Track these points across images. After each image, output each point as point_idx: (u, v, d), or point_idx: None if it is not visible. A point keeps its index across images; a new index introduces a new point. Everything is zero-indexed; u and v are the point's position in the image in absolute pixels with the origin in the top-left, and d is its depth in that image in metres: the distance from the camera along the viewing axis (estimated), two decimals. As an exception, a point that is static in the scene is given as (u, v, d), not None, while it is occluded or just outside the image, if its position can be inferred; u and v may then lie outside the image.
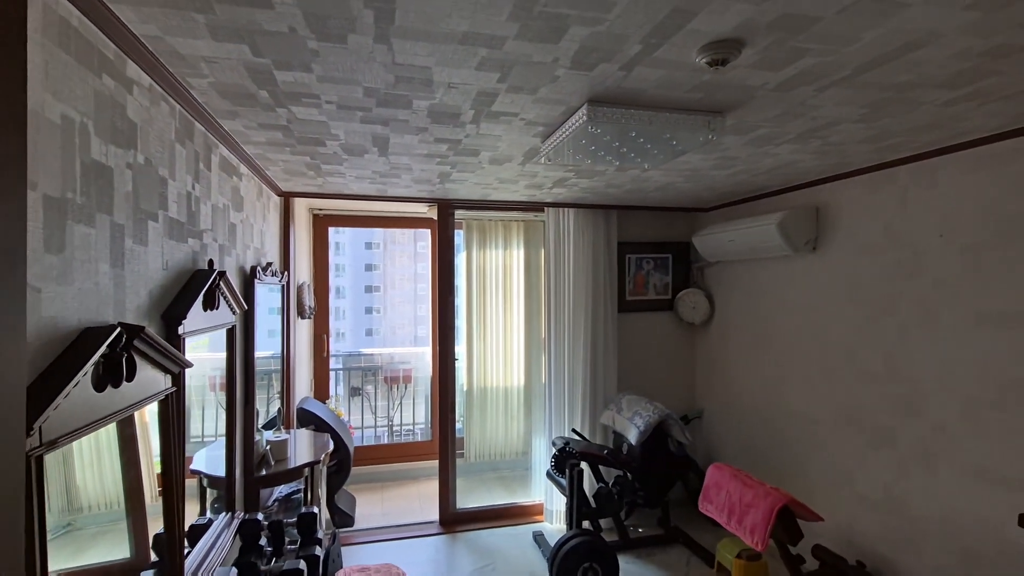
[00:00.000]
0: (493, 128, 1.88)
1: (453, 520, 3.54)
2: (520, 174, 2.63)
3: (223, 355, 2.11)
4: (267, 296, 2.81)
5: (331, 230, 4.33)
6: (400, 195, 3.25)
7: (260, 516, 2.06)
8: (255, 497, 2.36)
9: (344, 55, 1.31)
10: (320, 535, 2.16)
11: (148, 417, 1.41)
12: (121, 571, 1.29)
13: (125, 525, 1.32)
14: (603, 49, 1.28)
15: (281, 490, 2.82)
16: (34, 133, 0.90)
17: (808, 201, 2.89)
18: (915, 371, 2.35)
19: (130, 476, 1.34)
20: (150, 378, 1.31)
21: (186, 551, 1.64)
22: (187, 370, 1.83)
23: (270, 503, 2.73)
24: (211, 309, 1.76)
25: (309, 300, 3.69)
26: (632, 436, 3.11)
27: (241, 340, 2.29)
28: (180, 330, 1.50)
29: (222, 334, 2.07)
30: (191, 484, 1.96)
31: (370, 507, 3.87)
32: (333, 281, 4.46)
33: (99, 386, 1.08)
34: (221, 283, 1.80)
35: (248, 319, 2.37)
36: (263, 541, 2.03)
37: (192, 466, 1.99)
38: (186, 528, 1.72)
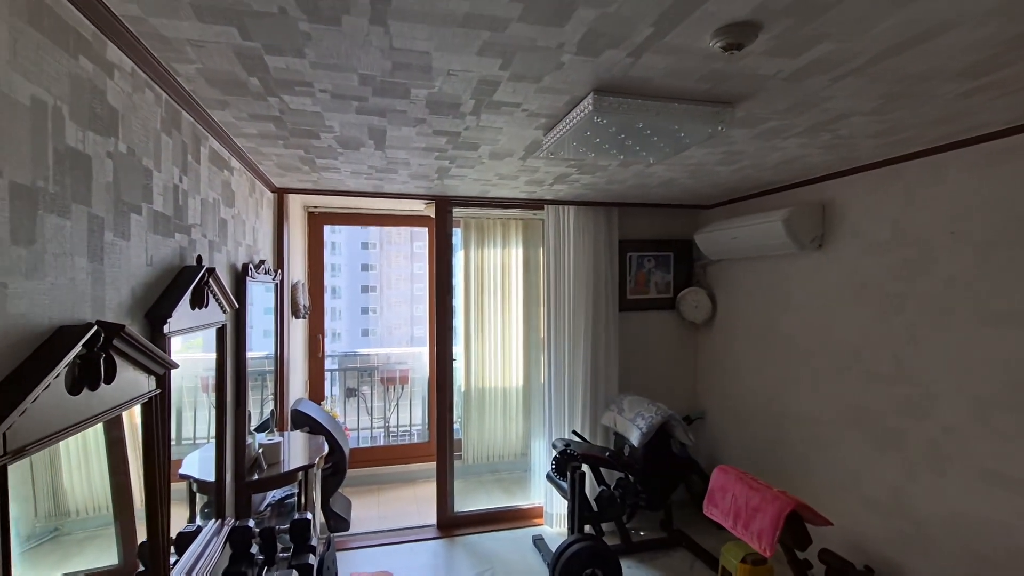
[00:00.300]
0: (494, 120, 1.81)
1: (451, 524, 3.47)
2: (521, 169, 2.56)
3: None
4: (261, 295, 2.73)
5: (327, 229, 4.25)
6: (397, 192, 3.18)
7: (251, 523, 1.98)
8: (247, 502, 2.29)
9: (338, 39, 1.24)
10: (314, 542, 2.09)
11: (137, 418, 1.35)
12: (105, 581, 1.22)
13: (113, 530, 1.26)
14: (611, 33, 1.22)
15: (274, 494, 2.75)
16: (-1, 114, 0.83)
17: (813, 197, 2.83)
18: (924, 371, 2.30)
19: (118, 479, 1.28)
20: (132, 380, 1.23)
21: (173, 560, 1.56)
22: (179, 371, 1.76)
23: (263, 508, 2.65)
24: (200, 308, 1.69)
25: (304, 299, 3.61)
26: (634, 438, 3.05)
27: (232, 340, 2.22)
28: (165, 329, 1.43)
29: (213, 333, 2.00)
30: (181, 488, 1.89)
31: (366, 510, 3.79)
32: (329, 281, 4.37)
33: (74, 389, 1.01)
34: (210, 280, 1.73)
35: (240, 318, 2.30)
36: (254, 549, 1.96)
37: (181, 470, 1.92)
38: (174, 535, 1.66)
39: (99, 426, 1.15)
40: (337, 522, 3.33)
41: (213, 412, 2.05)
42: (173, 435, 1.84)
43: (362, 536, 3.38)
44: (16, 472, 0.86)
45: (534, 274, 3.92)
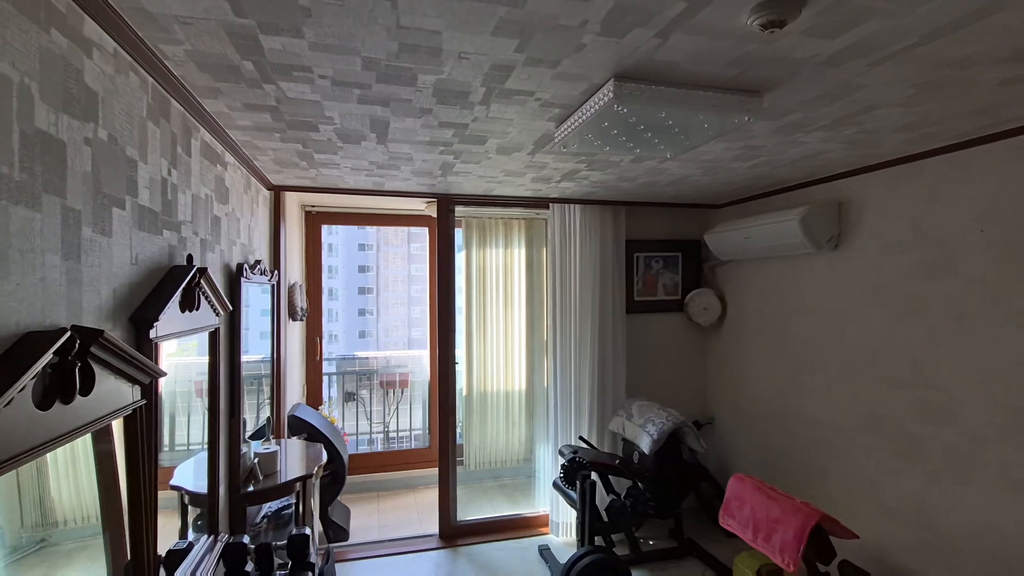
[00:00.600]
0: (505, 110, 1.71)
1: (454, 533, 3.35)
2: (528, 165, 2.46)
3: (207, 360, 1.92)
4: (256, 297, 2.62)
5: (323, 229, 4.13)
6: (398, 190, 3.07)
7: (246, 539, 1.87)
8: (241, 515, 2.17)
9: (340, 15, 1.13)
10: (313, 558, 1.97)
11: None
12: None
13: (102, 541, 1.17)
14: (640, 8, 1.11)
15: (271, 505, 2.63)
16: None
17: (829, 196, 2.74)
18: (946, 376, 2.20)
19: (106, 487, 1.18)
20: (113, 390, 1.12)
21: (161, 582, 1.45)
22: (172, 375, 1.66)
23: (258, 520, 2.53)
24: (190, 310, 1.58)
25: (301, 301, 3.49)
26: (645, 445, 2.94)
27: (226, 344, 2.10)
28: (152, 334, 1.32)
29: (205, 337, 1.89)
30: (173, 498, 1.79)
31: (366, 519, 3.67)
32: (325, 282, 4.23)
33: (44, 403, 0.89)
34: (202, 281, 1.61)
35: (234, 321, 2.18)
36: (250, 567, 1.84)
37: (173, 481, 1.81)
38: (164, 552, 1.54)
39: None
40: (336, 532, 3.20)
41: (207, 418, 1.94)
42: (166, 441, 1.75)
43: (362, 547, 3.26)
44: (1, 482, 0.79)
45: (537, 275, 3.81)
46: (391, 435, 4.85)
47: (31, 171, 0.90)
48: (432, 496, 3.48)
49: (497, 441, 3.96)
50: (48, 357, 0.87)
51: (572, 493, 2.90)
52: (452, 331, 3.39)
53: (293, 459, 2.54)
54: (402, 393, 4.92)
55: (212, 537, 1.86)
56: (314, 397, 4.07)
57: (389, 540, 3.35)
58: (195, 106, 1.63)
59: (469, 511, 3.61)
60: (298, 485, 2.32)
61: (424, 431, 4.74)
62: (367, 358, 5.06)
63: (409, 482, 4.23)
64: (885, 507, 2.47)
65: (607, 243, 3.45)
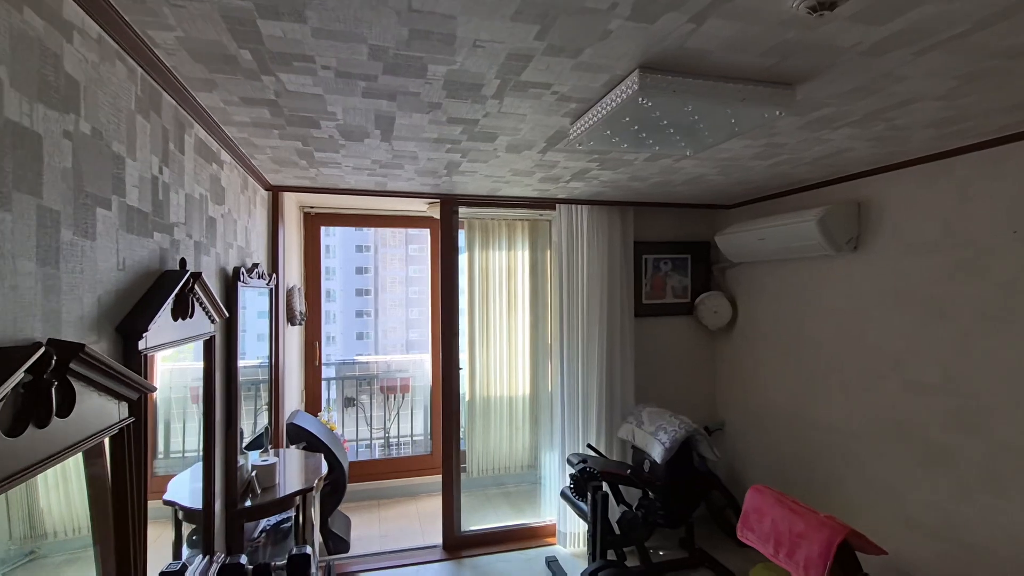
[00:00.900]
0: (518, 104, 1.61)
1: (458, 544, 3.25)
2: (538, 164, 2.36)
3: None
4: (254, 301, 2.51)
5: (322, 231, 4.03)
6: (401, 190, 2.97)
7: (243, 559, 1.76)
8: (239, 531, 2.06)
9: (347, -3, 1.03)
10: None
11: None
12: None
13: (93, 554, 1.10)
14: (676, -10, 1.02)
15: (269, 519, 2.52)
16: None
17: (848, 195, 2.64)
18: (976, 382, 2.11)
19: (98, 502, 1.10)
20: (96, 409, 1.02)
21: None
22: (166, 381, 1.56)
23: (256, 535, 2.42)
24: (184, 318, 1.47)
25: (300, 305, 3.38)
26: (656, 453, 2.85)
27: (222, 353, 2.00)
28: (141, 345, 1.21)
29: (201, 345, 1.78)
30: (168, 509, 1.69)
31: (366, 528, 3.56)
32: (323, 284, 4.12)
33: (15, 428, 0.79)
34: (196, 286, 1.51)
35: (230, 328, 2.07)
36: (247, 589, 1.73)
37: (167, 495, 1.71)
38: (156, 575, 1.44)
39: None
40: (336, 543, 3.09)
41: (201, 430, 1.84)
42: (161, 448, 1.66)
43: (363, 559, 3.15)
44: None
45: (541, 277, 3.71)
46: (392, 441, 4.74)
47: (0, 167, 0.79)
48: (434, 504, 3.38)
49: (500, 447, 3.85)
50: (20, 376, 0.77)
51: (582, 504, 2.80)
52: (455, 335, 3.29)
53: (292, 471, 2.43)
54: (403, 398, 4.82)
55: (207, 558, 1.75)
56: (313, 403, 3.96)
57: (391, 552, 3.24)
58: (188, 100, 1.53)
59: (473, 520, 3.51)
60: (298, 499, 2.22)
61: (426, 437, 4.63)
62: (367, 362, 4.95)
63: (410, 490, 4.12)
64: (909, 518, 2.37)
65: (615, 245, 3.35)
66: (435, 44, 1.23)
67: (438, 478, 3.30)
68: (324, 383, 4.17)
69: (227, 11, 1.08)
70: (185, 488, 1.79)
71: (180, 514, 1.81)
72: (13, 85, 0.82)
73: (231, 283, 2.09)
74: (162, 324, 1.33)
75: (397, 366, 4.99)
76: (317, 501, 2.61)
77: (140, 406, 1.19)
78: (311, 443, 3.04)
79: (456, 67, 1.35)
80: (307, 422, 3.19)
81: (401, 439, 4.74)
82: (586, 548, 3.20)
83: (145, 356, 1.23)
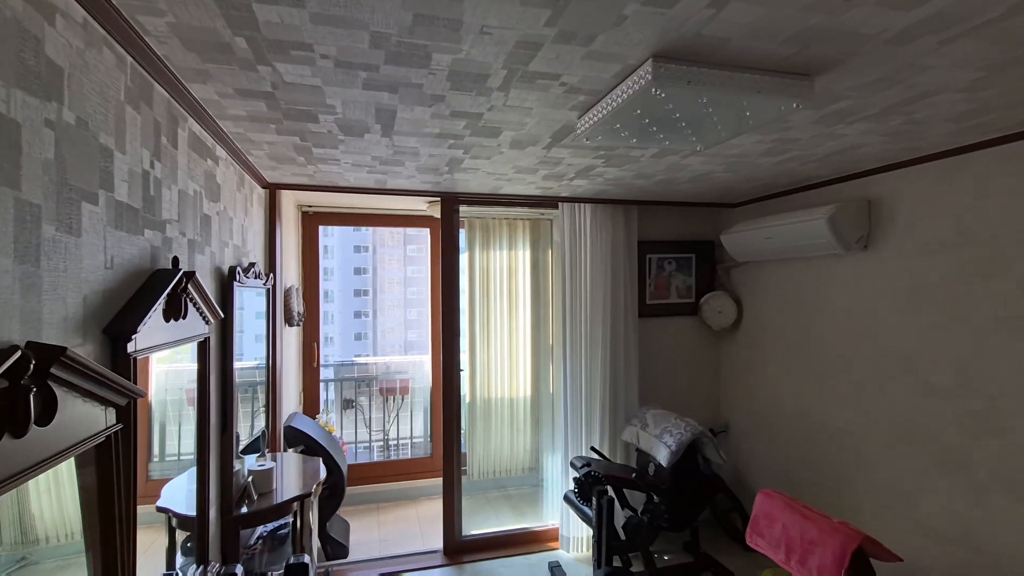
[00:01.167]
0: (525, 97, 1.55)
1: (459, 549, 3.19)
2: (542, 161, 2.30)
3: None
4: (250, 301, 2.45)
5: (320, 230, 3.96)
6: (401, 188, 2.91)
7: (239, 570, 1.70)
8: (234, 539, 2.00)
9: (348, -22, 0.97)
10: (312, 588, 1.80)
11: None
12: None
13: (85, 560, 1.06)
14: (698, -29, 0.96)
15: (266, 526, 2.45)
16: None
17: (857, 193, 2.59)
18: (994, 384, 2.06)
19: (90, 508, 1.05)
20: (81, 416, 0.95)
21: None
22: (161, 383, 1.50)
23: (252, 542, 2.36)
24: (176, 319, 1.41)
25: (298, 306, 3.32)
26: (662, 456, 2.79)
27: (217, 355, 1.93)
28: (130, 348, 1.15)
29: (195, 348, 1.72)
30: (161, 517, 1.63)
31: (365, 532, 3.50)
32: (321, 285, 4.05)
33: (-12, 439, 0.73)
34: (189, 286, 1.44)
35: (226, 329, 2.01)
36: (243, 600, 1.67)
37: (160, 501, 1.65)
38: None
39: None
40: (335, 549, 3.03)
41: (196, 435, 1.78)
42: (156, 452, 1.60)
43: (363, 564, 3.09)
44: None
45: (542, 277, 3.66)
46: (391, 444, 4.67)
47: (-28, 155, 0.73)
48: (434, 508, 3.32)
49: (502, 449, 3.79)
50: (-7, 383, 0.71)
51: (587, 509, 2.74)
52: (456, 335, 3.23)
53: (290, 476, 2.37)
54: (402, 400, 4.76)
55: (201, 568, 1.69)
56: (311, 405, 3.90)
57: (391, 557, 3.18)
58: (181, 92, 1.47)
59: (474, 523, 3.44)
60: (295, 505, 2.15)
61: (425, 439, 4.57)
62: (366, 364, 4.89)
63: (410, 493, 4.06)
64: (922, 523, 2.32)
65: (618, 244, 3.30)
66: (440, 30, 1.17)
67: (438, 481, 3.24)
68: (322, 385, 4.10)
69: (220, -6, 1.02)
70: (180, 493, 1.73)
71: (174, 521, 1.75)
72: (-13, 67, 0.76)
73: (226, 283, 2.02)
74: (153, 325, 1.27)
75: (396, 367, 4.93)
76: (315, 506, 2.55)
77: (129, 412, 1.12)
78: (309, 446, 2.98)
79: (462, 56, 1.29)
80: (305, 425, 3.13)
81: (400, 441, 4.68)
82: (590, 553, 3.14)
83: (135, 359, 1.17)
